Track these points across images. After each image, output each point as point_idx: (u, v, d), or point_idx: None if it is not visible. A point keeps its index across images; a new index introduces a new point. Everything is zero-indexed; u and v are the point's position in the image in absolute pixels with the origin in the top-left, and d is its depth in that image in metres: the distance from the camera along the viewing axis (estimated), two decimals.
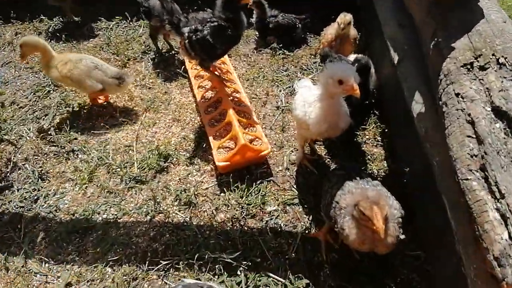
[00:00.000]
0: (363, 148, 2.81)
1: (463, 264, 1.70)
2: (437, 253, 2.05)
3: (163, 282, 2.13)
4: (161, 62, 3.69)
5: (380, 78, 2.99)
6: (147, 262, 2.21)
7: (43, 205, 2.55)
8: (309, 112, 2.22)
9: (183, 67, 3.55)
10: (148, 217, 2.44)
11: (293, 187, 2.59)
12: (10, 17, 4.26)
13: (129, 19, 4.16)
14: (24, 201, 2.58)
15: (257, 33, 3.94)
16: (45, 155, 2.87)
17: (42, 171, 2.75)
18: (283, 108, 3.15)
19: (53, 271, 2.21)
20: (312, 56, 3.68)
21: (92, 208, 2.50)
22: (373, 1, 3.31)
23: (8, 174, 2.75)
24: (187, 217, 2.44)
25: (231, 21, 2.71)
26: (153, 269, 2.18)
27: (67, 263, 2.24)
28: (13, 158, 2.84)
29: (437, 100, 1.81)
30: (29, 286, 2.15)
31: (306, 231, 2.33)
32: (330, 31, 3.28)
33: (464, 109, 1.56)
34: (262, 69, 3.57)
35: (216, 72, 3.27)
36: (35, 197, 2.59)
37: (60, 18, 4.25)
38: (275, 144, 2.87)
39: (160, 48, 3.79)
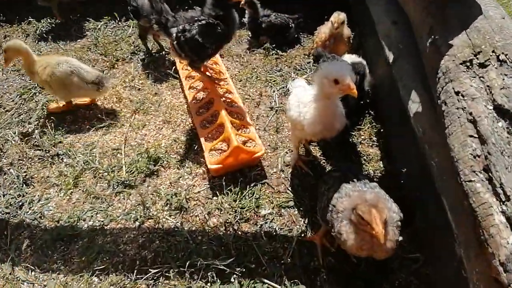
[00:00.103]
0: (358, 149, 2.75)
1: (464, 268, 1.64)
2: (436, 256, 1.99)
3: None
4: (151, 63, 3.59)
5: (375, 77, 2.94)
6: (135, 270, 2.11)
7: (28, 212, 2.45)
8: (303, 113, 2.15)
9: (173, 67, 3.46)
10: (137, 223, 2.34)
11: (288, 189, 2.51)
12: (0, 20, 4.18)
13: (118, 19, 4.06)
14: (9, 207, 2.48)
15: (249, 33, 3.87)
16: (30, 160, 2.76)
17: (27, 176, 2.65)
18: (277, 108, 3.08)
19: (39, 280, 2.13)
20: (306, 56, 3.62)
21: (77, 214, 2.40)
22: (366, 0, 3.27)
23: None
24: (178, 222, 2.34)
25: (222, 19, 2.63)
26: (141, 278, 2.08)
27: (52, 271, 2.15)
28: None
29: (435, 99, 1.75)
30: None
31: (302, 235, 2.25)
32: (323, 30, 3.22)
33: (465, 107, 1.50)
34: (255, 70, 3.49)
35: (207, 73, 3.18)
36: (20, 203, 2.50)
37: (48, 19, 4.16)
38: (269, 145, 2.80)
39: (150, 49, 3.70)
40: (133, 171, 2.62)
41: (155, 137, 2.90)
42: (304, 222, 2.33)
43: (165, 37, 2.87)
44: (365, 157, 2.69)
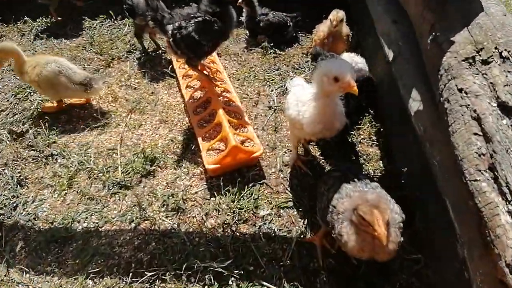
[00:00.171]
0: (358, 148, 2.72)
1: (467, 269, 1.61)
2: (437, 256, 1.95)
3: None
4: (147, 62, 3.54)
5: (374, 76, 2.90)
6: (130, 273, 2.06)
7: (22, 213, 2.40)
8: (303, 111, 2.11)
9: (170, 66, 3.41)
10: (133, 225, 2.29)
11: (287, 189, 2.47)
12: None
13: (114, 17, 4.01)
14: (4, 208, 2.43)
15: (247, 32, 3.83)
16: (24, 160, 2.71)
17: (21, 177, 2.59)
18: (275, 108, 3.04)
19: (34, 282, 2.08)
20: (304, 55, 3.58)
21: (71, 216, 2.34)
22: None
23: None
24: (174, 223, 2.30)
25: (218, 16, 2.58)
26: (137, 281, 2.03)
27: (47, 274, 2.11)
28: None
29: (437, 97, 1.72)
30: None
31: (301, 236, 2.21)
32: (322, 28, 3.18)
33: (468, 105, 1.47)
34: (253, 69, 3.45)
35: (205, 71, 3.13)
36: (14, 204, 2.45)
37: (44, 19, 4.11)
38: (267, 145, 2.76)
39: (146, 47, 3.65)
40: (129, 171, 2.57)
41: (152, 137, 2.85)
42: (303, 223, 2.29)
43: (161, 34, 2.83)
44: (364, 157, 2.65)
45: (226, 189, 2.42)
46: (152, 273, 2.04)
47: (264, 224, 2.29)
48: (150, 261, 2.12)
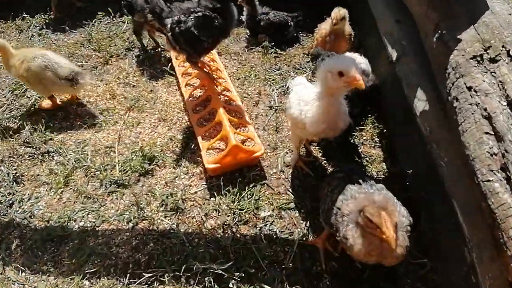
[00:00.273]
0: (360, 150, 2.68)
1: (475, 272, 1.57)
2: (444, 259, 1.91)
3: None
4: (146, 59, 3.50)
5: (377, 76, 2.87)
6: (128, 274, 2.01)
7: (18, 210, 2.35)
8: (305, 111, 2.06)
9: (170, 64, 3.37)
10: (130, 225, 2.24)
11: (289, 190, 2.42)
12: None
13: (112, 15, 3.96)
14: (0, 205, 2.37)
15: (247, 31, 3.79)
16: (20, 157, 2.65)
17: (17, 174, 2.54)
18: (276, 107, 3.00)
19: (29, 281, 2.04)
20: (305, 55, 3.55)
21: (68, 214, 2.29)
22: None
23: None
24: (173, 224, 2.24)
25: (219, 11, 2.54)
26: (135, 282, 1.98)
27: (43, 273, 2.06)
28: None
29: (445, 95, 1.68)
30: None
31: (304, 238, 2.16)
32: (324, 27, 3.15)
33: (478, 103, 1.43)
34: (253, 68, 3.41)
35: (204, 69, 3.09)
36: (10, 202, 2.40)
37: (42, 15, 4.07)
38: (268, 145, 2.71)
39: (145, 45, 3.60)
40: (126, 170, 2.52)
41: (150, 135, 2.80)
42: (305, 224, 2.24)
43: (160, 32, 2.78)
44: (367, 158, 2.61)
45: (226, 189, 2.37)
46: (150, 275, 1.99)
47: (265, 225, 2.24)
48: (148, 262, 2.07)
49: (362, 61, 2.82)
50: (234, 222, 2.23)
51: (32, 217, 2.31)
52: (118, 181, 2.45)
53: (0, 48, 2.76)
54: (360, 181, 1.79)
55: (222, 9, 2.55)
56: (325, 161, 2.61)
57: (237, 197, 2.33)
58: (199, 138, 2.62)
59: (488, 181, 1.23)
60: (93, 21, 3.92)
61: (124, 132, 2.81)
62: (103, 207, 2.34)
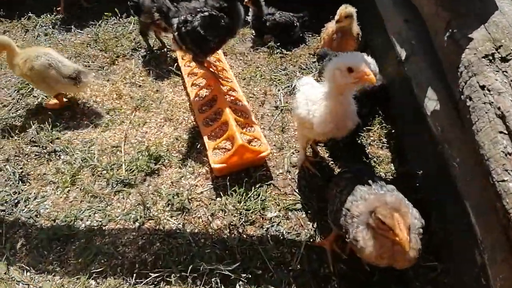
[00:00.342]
0: (368, 151, 2.65)
1: (486, 274, 1.54)
2: (455, 260, 1.87)
3: None
4: (152, 60, 3.50)
5: (384, 76, 2.84)
6: (134, 274, 1.99)
7: (23, 210, 2.34)
8: (313, 110, 2.04)
9: (175, 64, 3.37)
10: (137, 224, 2.23)
11: (295, 191, 2.40)
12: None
13: (119, 15, 3.97)
14: (5, 204, 2.37)
15: (253, 31, 3.78)
16: (26, 156, 2.66)
17: (23, 173, 2.54)
18: (282, 108, 2.98)
19: (34, 281, 2.02)
20: (311, 56, 3.53)
21: (74, 214, 2.28)
22: None
23: None
24: (179, 224, 2.23)
25: (226, 11, 2.53)
26: (141, 282, 1.96)
27: (48, 273, 2.05)
28: None
29: (457, 94, 1.66)
30: None
31: (311, 240, 2.14)
32: (330, 25, 3.13)
33: (492, 102, 1.41)
34: (259, 68, 3.40)
35: (211, 69, 3.08)
36: (16, 201, 2.39)
37: (48, 15, 4.08)
38: (274, 145, 2.69)
39: (152, 45, 3.61)
40: (133, 169, 2.51)
41: (156, 135, 2.79)
42: (312, 226, 2.21)
43: (166, 27, 2.78)
44: (375, 159, 2.58)
45: (233, 189, 2.36)
46: (157, 275, 1.97)
47: (272, 226, 2.22)
48: (155, 262, 2.05)
49: (369, 60, 2.79)
50: (240, 223, 2.21)
51: (38, 216, 2.31)
52: (125, 181, 2.44)
53: (5, 46, 2.77)
54: (370, 182, 1.76)
55: (228, 8, 2.54)
56: (332, 162, 2.59)
57: (243, 198, 2.32)
58: (205, 138, 2.61)
59: (503, 181, 1.21)
60: (100, 22, 3.93)
61: (130, 131, 2.81)
62: (109, 207, 2.33)
